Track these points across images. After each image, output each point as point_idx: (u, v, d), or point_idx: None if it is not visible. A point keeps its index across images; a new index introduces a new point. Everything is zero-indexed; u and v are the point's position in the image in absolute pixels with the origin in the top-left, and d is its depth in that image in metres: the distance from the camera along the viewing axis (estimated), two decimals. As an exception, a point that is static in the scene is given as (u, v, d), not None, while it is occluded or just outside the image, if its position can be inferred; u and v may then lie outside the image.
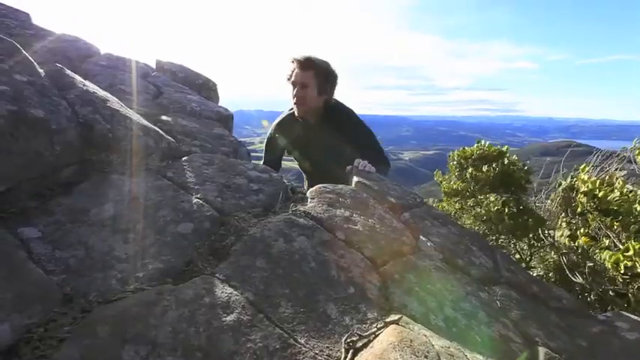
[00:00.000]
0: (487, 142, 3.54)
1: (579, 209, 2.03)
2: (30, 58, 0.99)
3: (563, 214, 2.28)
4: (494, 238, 3.12)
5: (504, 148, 3.31)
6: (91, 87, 1.15)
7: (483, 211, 2.88)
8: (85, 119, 0.98)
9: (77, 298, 0.57)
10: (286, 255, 0.85)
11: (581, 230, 1.94)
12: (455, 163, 3.32)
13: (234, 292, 0.67)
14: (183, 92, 2.28)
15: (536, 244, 2.79)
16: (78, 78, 1.14)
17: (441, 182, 3.62)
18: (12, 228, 0.69)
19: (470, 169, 3.15)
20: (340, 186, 1.42)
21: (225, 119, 2.07)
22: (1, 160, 0.72)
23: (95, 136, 0.98)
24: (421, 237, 1.24)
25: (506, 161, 3.33)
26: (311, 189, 1.35)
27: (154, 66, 2.81)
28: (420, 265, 1.04)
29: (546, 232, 2.43)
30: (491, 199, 2.79)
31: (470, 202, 3.14)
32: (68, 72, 1.12)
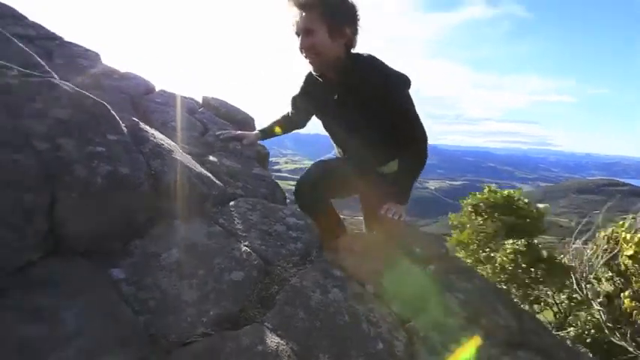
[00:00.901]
0: (494, 186, 3.57)
1: (623, 267, 1.99)
2: (117, 117, 1.21)
3: (603, 268, 2.23)
4: (516, 290, 3.07)
5: (515, 192, 3.32)
6: (159, 138, 1.36)
7: (500, 261, 2.86)
8: (156, 171, 1.18)
9: (160, 339, 0.71)
10: (322, 307, 0.96)
11: (625, 293, 1.88)
12: (469, 209, 3.35)
13: (281, 342, 0.79)
14: (227, 129, 2.52)
15: (570, 298, 2.72)
16: (150, 131, 1.35)
17: (454, 224, 3.63)
18: (104, 268, 0.86)
19: (483, 217, 3.17)
20: (370, 235, 1.53)
21: (264, 157, 2.27)
22: (100, 214, 0.90)
23: (162, 186, 1.17)
24: (446, 292, 1.31)
25: (520, 204, 3.32)
26: (342, 238, 1.47)
27: (199, 100, 3.11)
28: (444, 323, 1.11)
29: (583, 284, 2.37)
30: (507, 247, 2.78)
31: (487, 250, 3.13)
32: (142, 126, 1.34)
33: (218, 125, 2.59)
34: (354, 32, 1.34)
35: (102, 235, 0.92)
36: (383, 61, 1.37)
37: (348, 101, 1.40)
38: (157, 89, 2.91)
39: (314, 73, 1.42)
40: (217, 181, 1.48)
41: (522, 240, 2.78)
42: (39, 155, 0.84)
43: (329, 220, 1.64)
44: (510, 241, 2.89)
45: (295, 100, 1.74)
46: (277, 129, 2.02)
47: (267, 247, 1.17)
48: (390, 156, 1.55)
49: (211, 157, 1.87)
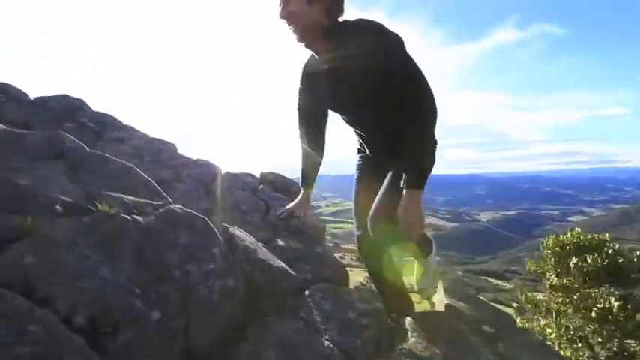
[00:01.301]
0: (578, 230, 3.41)
1: None
2: (215, 230, 1.50)
3: None
4: (609, 342, 2.82)
5: (607, 236, 3.12)
6: (247, 241, 1.62)
7: (593, 310, 2.67)
8: (247, 273, 1.42)
9: None
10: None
11: None
12: (550, 252, 3.20)
13: None
14: (284, 204, 2.82)
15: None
16: (237, 233, 1.63)
17: (533, 269, 3.46)
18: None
19: (571, 261, 3.02)
20: (434, 313, 1.61)
21: (322, 233, 2.49)
22: (215, 325, 1.13)
23: (253, 287, 1.40)
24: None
25: (610, 250, 3.15)
26: (409, 318, 1.57)
27: (257, 175, 3.51)
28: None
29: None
30: (600, 295, 2.61)
31: (575, 297, 2.93)
32: (233, 231, 1.62)
33: (278, 202, 2.90)
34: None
35: (217, 342, 1.14)
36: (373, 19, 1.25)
37: (341, 71, 1.30)
38: (221, 170, 3.36)
39: (298, 42, 1.32)
40: (291, 271, 1.69)
41: (617, 290, 2.62)
42: (176, 283, 1.10)
43: (392, 286, 1.67)
44: (601, 290, 2.73)
45: (301, 108, 1.62)
46: (311, 169, 1.95)
47: (344, 339, 1.31)
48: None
49: (279, 241, 2.12)
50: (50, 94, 3.92)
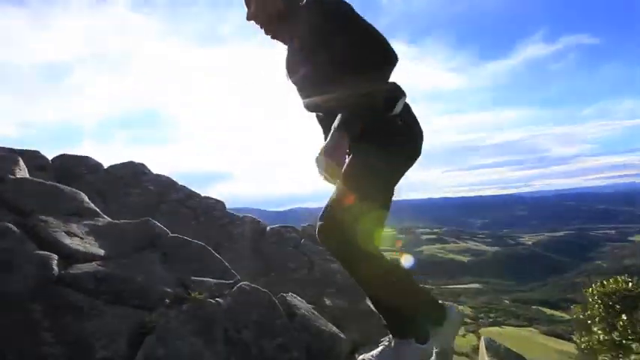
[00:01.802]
0: (624, 278, 3.32)
1: None
2: (276, 301, 1.75)
3: None
4: None
5: None
6: (302, 308, 1.86)
7: None
8: (305, 342, 1.64)
9: None
10: None
11: None
12: (596, 302, 3.13)
13: None
14: (326, 259, 3.05)
15: None
16: (294, 302, 1.87)
17: (581, 317, 3.35)
18: None
19: (620, 320, 2.95)
20: None
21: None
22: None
23: (311, 355, 1.61)
24: None
25: None
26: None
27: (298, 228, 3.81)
28: None
29: None
30: None
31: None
32: (290, 300, 1.87)
33: (319, 255, 3.14)
34: None
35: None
36: None
37: (298, 51, 1.27)
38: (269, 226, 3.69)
39: (267, 36, 1.32)
40: (342, 334, 1.89)
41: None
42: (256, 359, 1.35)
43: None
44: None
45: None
46: None
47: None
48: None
49: (326, 300, 2.34)
50: (119, 162, 4.57)
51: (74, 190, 2.06)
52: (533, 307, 45.87)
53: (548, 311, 43.49)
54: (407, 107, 1.27)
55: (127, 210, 3.54)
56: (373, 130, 1.16)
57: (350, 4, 1.20)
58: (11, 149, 4.53)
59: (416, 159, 1.31)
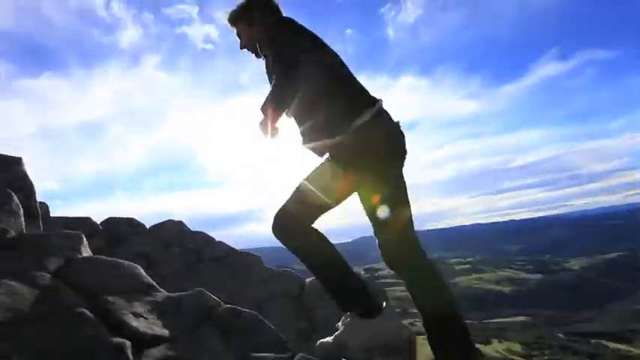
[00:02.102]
0: None
1: None
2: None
3: None
4: None
5: None
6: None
7: None
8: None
9: None
10: None
11: None
12: None
13: None
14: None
15: None
16: None
17: None
18: None
19: None
20: None
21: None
22: None
23: None
24: None
25: None
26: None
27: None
28: None
29: None
30: None
31: None
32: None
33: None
34: (267, 13, 1.56)
35: None
36: (284, 19, 1.53)
37: (270, 73, 1.49)
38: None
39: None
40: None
41: None
42: None
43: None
44: None
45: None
46: None
47: None
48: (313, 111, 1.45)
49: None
50: (160, 221, 4.83)
51: (132, 264, 2.20)
52: (593, 340, 41.12)
53: (612, 345, 38.76)
54: (375, 117, 1.39)
55: (171, 271, 3.68)
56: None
57: (290, 33, 1.44)
58: (67, 218, 4.91)
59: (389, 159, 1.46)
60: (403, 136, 1.51)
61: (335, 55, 1.51)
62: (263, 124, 1.39)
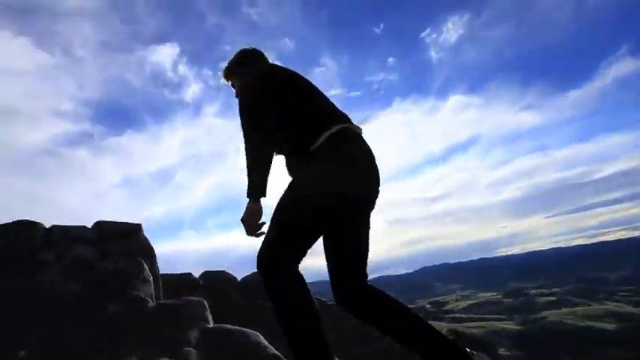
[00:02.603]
0: None
1: None
2: None
3: None
4: None
5: None
6: None
7: None
8: None
9: None
10: None
11: None
12: None
13: None
14: None
15: None
16: None
17: None
18: None
19: None
20: None
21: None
22: None
23: None
24: None
25: None
26: None
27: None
28: None
29: None
30: None
31: None
32: None
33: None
34: (254, 66, 1.74)
35: None
36: (261, 60, 1.79)
37: None
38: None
39: None
40: None
41: None
42: None
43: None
44: None
45: None
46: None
47: None
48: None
49: None
50: (249, 273, 5.12)
51: (255, 333, 2.36)
52: None
53: None
54: (334, 137, 1.44)
55: (262, 326, 3.83)
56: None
57: (256, 88, 1.53)
58: (170, 276, 5.44)
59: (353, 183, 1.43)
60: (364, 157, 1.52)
61: (307, 90, 1.61)
62: (245, 222, 1.41)
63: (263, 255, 1.37)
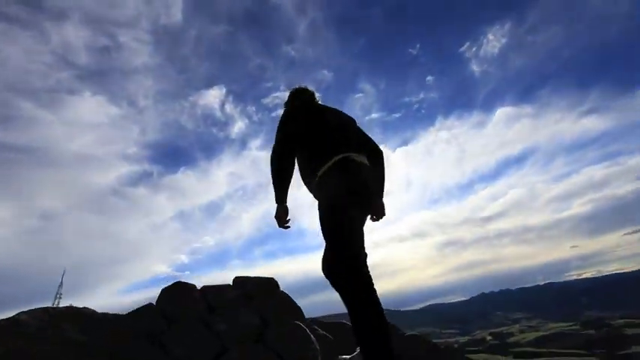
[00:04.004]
0: None
1: None
2: None
3: None
4: None
5: None
6: None
7: None
8: None
9: None
10: None
11: None
12: None
13: None
14: None
15: None
16: None
17: None
18: None
19: None
20: None
21: None
22: None
23: None
24: None
25: None
26: None
27: None
28: None
29: None
30: None
31: None
32: None
33: None
34: (291, 104, 2.33)
35: None
36: (304, 96, 2.36)
37: None
38: None
39: None
40: None
41: None
42: None
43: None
44: None
45: None
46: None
47: None
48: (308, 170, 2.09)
49: None
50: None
51: None
52: None
53: None
54: (336, 166, 1.91)
55: None
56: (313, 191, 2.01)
57: (286, 116, 2.11)
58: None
59: (356, 200, 1.88)
60: (360, 183, 1.92)
61: (322, 124, 2.06)
62: (276, 217, 2.01)
63: (326, 261, 1.81)
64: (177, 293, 3.69)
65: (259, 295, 3.91)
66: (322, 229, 1.82)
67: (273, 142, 2.01)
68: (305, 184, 2.08)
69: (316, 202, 1.96)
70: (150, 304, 3.51)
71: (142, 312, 3.36)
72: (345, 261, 1.80)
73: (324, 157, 1.91)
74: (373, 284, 1.80)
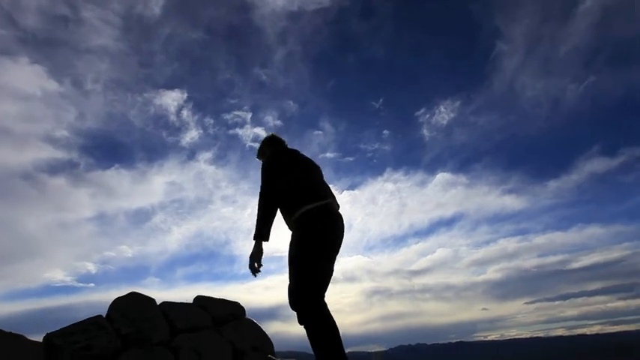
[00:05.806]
0: None
1: None
2: None
3: None
4: None
5: None
6: None
7: None
8: None
9: None
10: None
11: None
12: None
13: None
14: None
15: None
16: None
17: None
18: None
19: None
20: None
21: None
22: None
23: None
24: None
25: None
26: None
27: None
28: None
29: None
30: None
31: None
32: None
33: None
34: (268, 150, 2.54)
35: None
36: (279, 144, 2.60)
37: None
38: None
39: None
40: None
41: None
42: None
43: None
44: None
45: None
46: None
47: None
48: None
49: None
50: None
51: None
52: None
53: None
54: (320, 210, 2.12)
55: None
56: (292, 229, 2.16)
57: (269, 164, 2.33)
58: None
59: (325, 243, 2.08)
60: (335, 224, 2.18)
61: (302, 170, 2.30)
62: (251, 256, 2.14)
63: (292, 294, 1.96)
64: (134, 307, 3.24)
65: (227, 319, 3.60)
66: (295, 264, 2.01)
67: (257, 186, 2.26)
68: (284, 215, 2.25)
69: (289, 234, 2.19)
70: (99, 317, 3.00)
71: (90, 328, 2.83)
72: (314, 297, 1.96)
73: (309, 199, 2.13)
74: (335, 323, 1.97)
